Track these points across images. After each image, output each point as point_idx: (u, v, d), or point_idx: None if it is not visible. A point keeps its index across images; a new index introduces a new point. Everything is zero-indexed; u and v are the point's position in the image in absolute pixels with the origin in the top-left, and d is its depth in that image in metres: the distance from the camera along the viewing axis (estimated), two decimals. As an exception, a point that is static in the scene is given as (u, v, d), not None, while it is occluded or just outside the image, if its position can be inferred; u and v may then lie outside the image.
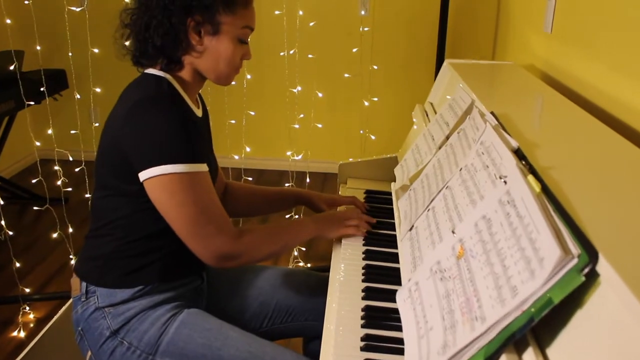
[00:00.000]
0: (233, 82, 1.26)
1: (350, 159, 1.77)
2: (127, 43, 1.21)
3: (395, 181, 1.47)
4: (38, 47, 2.44)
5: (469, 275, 0.76)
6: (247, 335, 1.18)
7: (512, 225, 0.73)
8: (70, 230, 2.38)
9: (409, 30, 3.42)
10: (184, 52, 1.17)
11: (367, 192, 1.62)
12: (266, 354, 1.14)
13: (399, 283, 1.06)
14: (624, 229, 0.70)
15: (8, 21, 2.28)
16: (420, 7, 3.34)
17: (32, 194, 3.17)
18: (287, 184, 2.71)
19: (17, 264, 2.25)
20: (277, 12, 2.71)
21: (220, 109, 2.65)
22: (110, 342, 1.17)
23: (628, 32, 1.31)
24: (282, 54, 2.77)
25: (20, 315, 2.19)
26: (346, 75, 3.32)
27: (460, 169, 1.01)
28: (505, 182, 0.80)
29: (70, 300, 1.27)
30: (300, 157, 3.01)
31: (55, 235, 2.45)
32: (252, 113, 2.99)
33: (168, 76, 1.17)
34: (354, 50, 3.21)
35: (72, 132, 2.44)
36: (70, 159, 2.51)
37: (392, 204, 1.43)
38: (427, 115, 1.65)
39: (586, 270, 0.61)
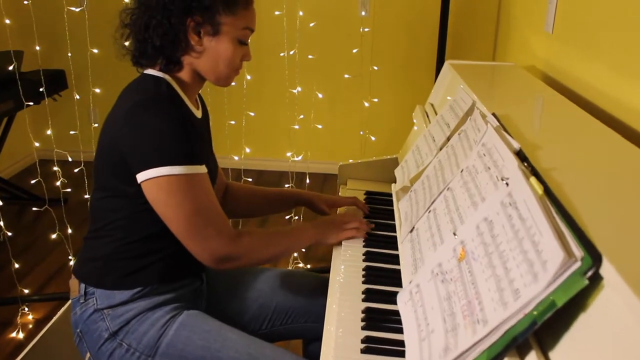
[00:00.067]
0: (233, 83, 1.25)
1: (351, 160, 1.76)
2: (126, 43, 1.21)
3: (395, 182, 1.47)
4: (37, 48, 2.43)
5: (471, 278, 0.75)
6: (247, 337, 1.17)
7: (514, 227, 0.72)
8: (70, 231, 2.37)
9: (409, 30, 3.41)
10: (183, 52, 1.17)
11: (367, 193, 1.62)
12: (266, 356, 1.13)
13: (399, 285, 1.06)
14: (627, 231, 0.70)
15: (7, 21, 2.27)
16: (421, 7, 3.33)
17: (31, 195, 3.16)
18: (286, 185, 2.71)
19: (16, 265, 2.24)
20: (277, 13, 2.71)
21: (220, 109, 2.64)
22: (109, 343, 1.16)
23: (629, 33, 1.31)
24: (282, 54, 2.76)
25: (19, 316, 2.19)
26: (346, 76, 3.32)
27: (462, 171, 1.00)
28: (507, 183, 0.80)
29: (69, 302, 1.26)
30: (300, 158, 3.01)
31: (54, 236, 2.44)
32: (252, 114, 2.99)
33: (167, 77, 1.17)
34: (354, 51, 3.20)
35: (72, 132, 2.43)
36: (70, 159, 2.50)
37: (392, 206, 1.43)
38: (427, 116, 1.65)
39: (589, 273, 0.61)
